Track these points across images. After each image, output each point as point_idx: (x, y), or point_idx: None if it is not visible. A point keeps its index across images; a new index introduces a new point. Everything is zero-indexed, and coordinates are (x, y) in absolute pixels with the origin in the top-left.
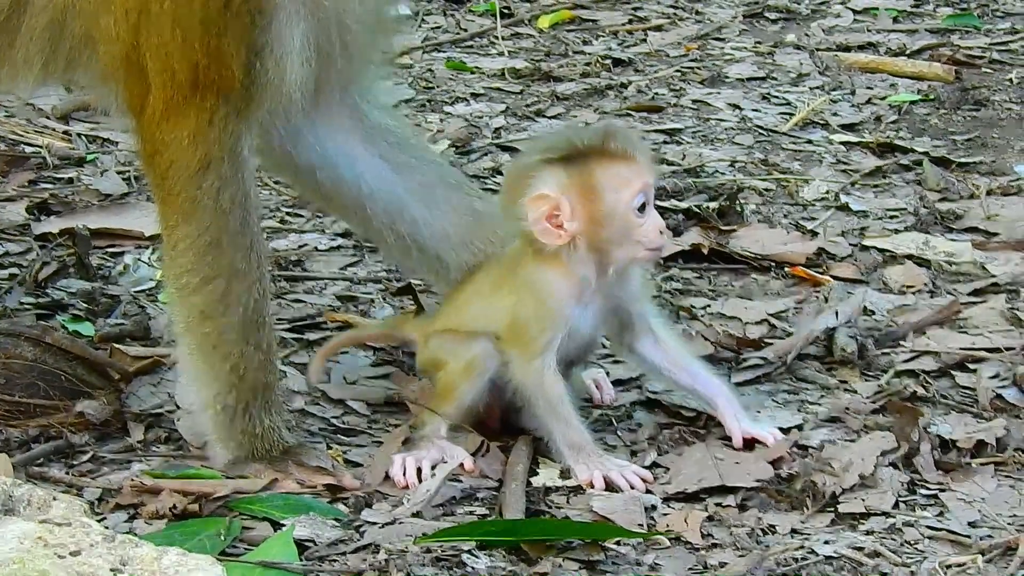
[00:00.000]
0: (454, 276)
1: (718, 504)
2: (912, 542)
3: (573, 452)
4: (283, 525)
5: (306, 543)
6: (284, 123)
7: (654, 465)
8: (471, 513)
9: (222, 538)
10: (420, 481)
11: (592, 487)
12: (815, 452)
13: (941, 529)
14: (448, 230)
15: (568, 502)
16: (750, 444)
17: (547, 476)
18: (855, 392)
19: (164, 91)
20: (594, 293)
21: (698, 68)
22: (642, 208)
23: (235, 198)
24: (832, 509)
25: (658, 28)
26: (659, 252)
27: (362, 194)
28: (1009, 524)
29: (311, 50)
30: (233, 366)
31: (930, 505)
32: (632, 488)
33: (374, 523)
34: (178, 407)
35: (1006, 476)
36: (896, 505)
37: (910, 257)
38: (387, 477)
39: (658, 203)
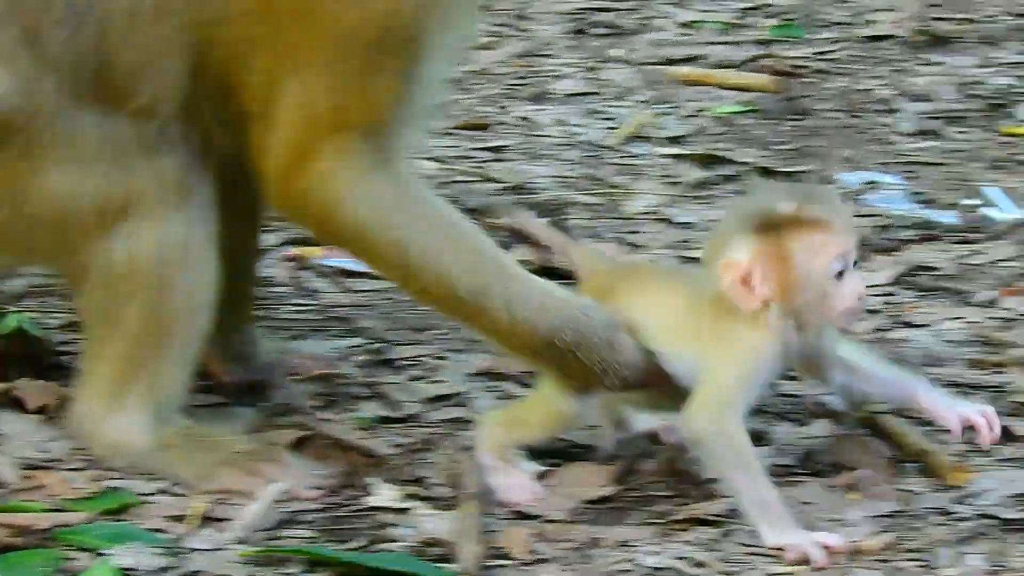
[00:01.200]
0: None
1: (546, 520)
2: (736, 553)
3: (761, 513)
4: (105, 555)
5: (129, 572)
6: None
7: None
8: (297, 537)
9: (47, 570)
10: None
11: (783, 553)
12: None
13: None
14: None
15: (401, 521)
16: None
17: (381, 497)
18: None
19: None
20: (791, 354)
21: (524, 84)
22: (839, 274)
23: None
24: (660, 520)
25: (485, 47)
26: (855, 315)
27: None
28: (832, 533)
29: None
30: None
31: None
32: (823, 560)
33: (198, 550)
34: None
35: (830, 485)
36: (720, 514)
37: None
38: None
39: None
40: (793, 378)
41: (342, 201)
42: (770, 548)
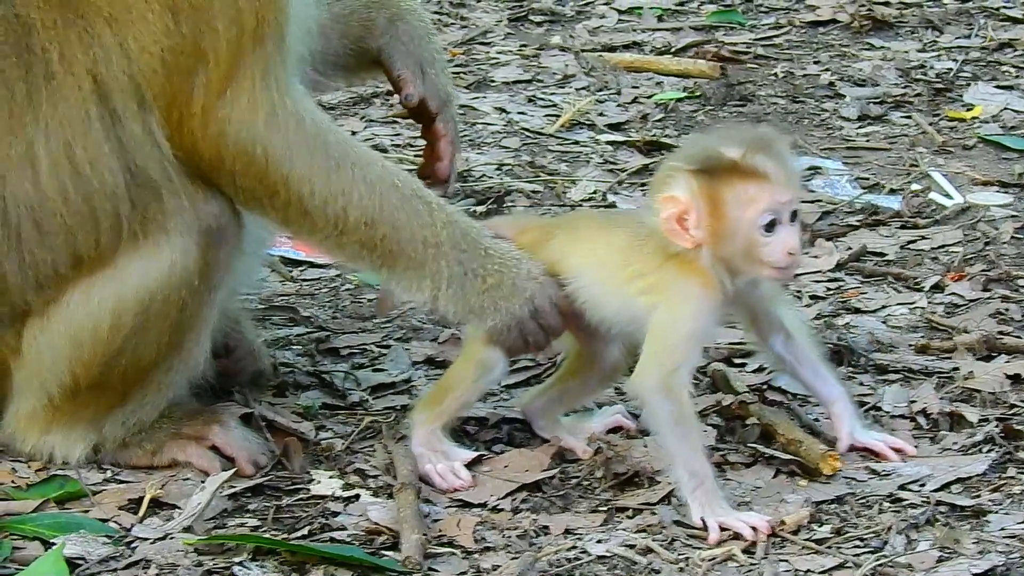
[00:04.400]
0: None
1: (492, 508)
2: (682, 537)
3: (693, 484)
4: (53, 544)
5: (77, 561)
6: None
7: None
8: (243, 525)
9: None
10: (461, 478)
11: (705, 529)
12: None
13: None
14: None
15: (345, 509)
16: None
17: (325, 485)
18: (624, 393)
19: None
20: (728, 300)
21: (464, 73)
22: (771, 226)
23: None
24: (604, 507)
25: None
26: (786, 272)
27: None
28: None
29: None
30: None
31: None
32: (755, 536)
33: (145, 539)
34: None
35: (769, 467)
36: (667, 501)
37: None
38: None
39: None
40: (736, 365)
41: (259, 138)
42: (695, 522)
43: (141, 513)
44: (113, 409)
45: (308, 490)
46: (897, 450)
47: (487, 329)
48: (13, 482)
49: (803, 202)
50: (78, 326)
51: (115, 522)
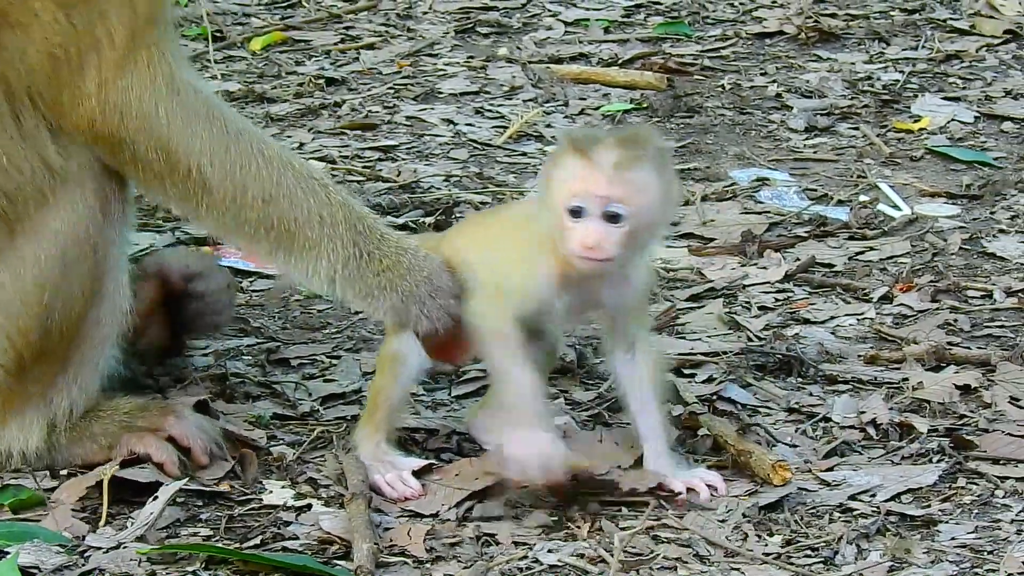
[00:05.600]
0: None
1: (443, 518)
2: (633, 546)
3: (513, 406)
4: (7, 553)
5: (31, 570)
6: None
7: None
8: (196, 535)
9: None
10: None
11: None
12: None
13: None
14: None
15: (297, 519)
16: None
17: (277, 495)
18: (575, 402)
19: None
20: (573, 285)
21: (411, 85)
22: (578, 214)
23: None
24: (554, 516)
25: (370, 47)
26: (583, 263)
27: None
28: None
29: None
30: None
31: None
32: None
33: (98, 548)
34: None
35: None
36: (614, 509)
37: None
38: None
39: None
40: (686, 375)
41: (161, 104)
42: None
43: (103, 510)
44: (57, 377)
45: (260, 500)
46: (711, 486)
47: (386, 311)
48: None
49: (752, 214)
50: (7, 298)
51: (69, 531)
